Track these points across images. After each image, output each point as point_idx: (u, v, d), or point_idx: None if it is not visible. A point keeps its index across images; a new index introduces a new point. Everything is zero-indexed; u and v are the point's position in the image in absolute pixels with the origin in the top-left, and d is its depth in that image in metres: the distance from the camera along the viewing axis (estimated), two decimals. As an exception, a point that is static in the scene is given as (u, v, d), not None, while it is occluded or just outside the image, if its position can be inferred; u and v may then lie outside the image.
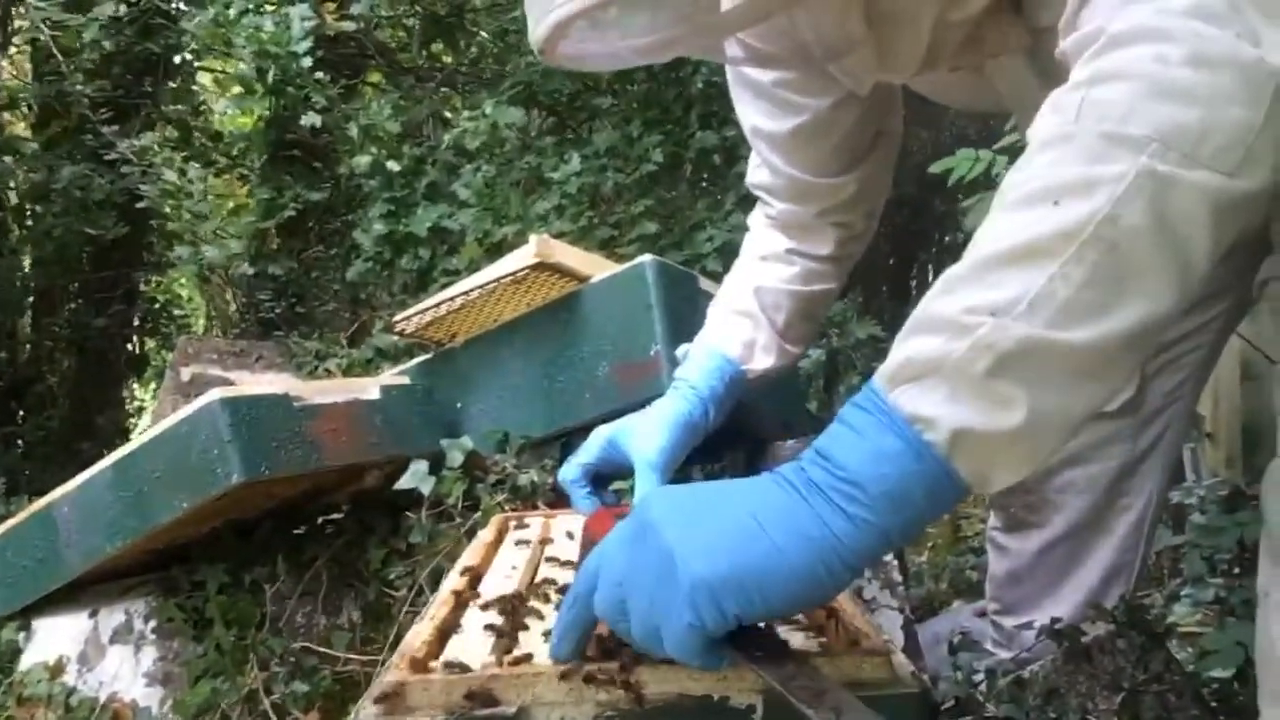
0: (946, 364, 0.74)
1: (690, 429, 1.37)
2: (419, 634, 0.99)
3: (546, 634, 0.95)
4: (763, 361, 1.53)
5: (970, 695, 1.67)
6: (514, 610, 1.05)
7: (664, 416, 1.36)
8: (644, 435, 1.31)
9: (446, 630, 1.01)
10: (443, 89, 4.20)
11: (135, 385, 6.66)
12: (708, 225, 3.14)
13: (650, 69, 3.36)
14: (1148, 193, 0.72)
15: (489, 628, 1.00)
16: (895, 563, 1.87)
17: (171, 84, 4.56)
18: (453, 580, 1.19)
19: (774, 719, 0.83)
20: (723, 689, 0.85)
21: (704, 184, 3.43)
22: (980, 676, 1.69)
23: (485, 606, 1.06)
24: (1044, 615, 1.71)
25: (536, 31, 0.92)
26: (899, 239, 7.06)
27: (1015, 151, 1.67)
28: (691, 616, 0.74)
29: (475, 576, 1.20)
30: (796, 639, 0.93)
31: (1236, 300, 1.52)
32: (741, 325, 1.52)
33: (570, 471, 1.32)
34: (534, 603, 1.08)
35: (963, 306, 0.75)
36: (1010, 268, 0.74)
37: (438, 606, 1.07)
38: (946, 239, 6.92)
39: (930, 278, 7.44)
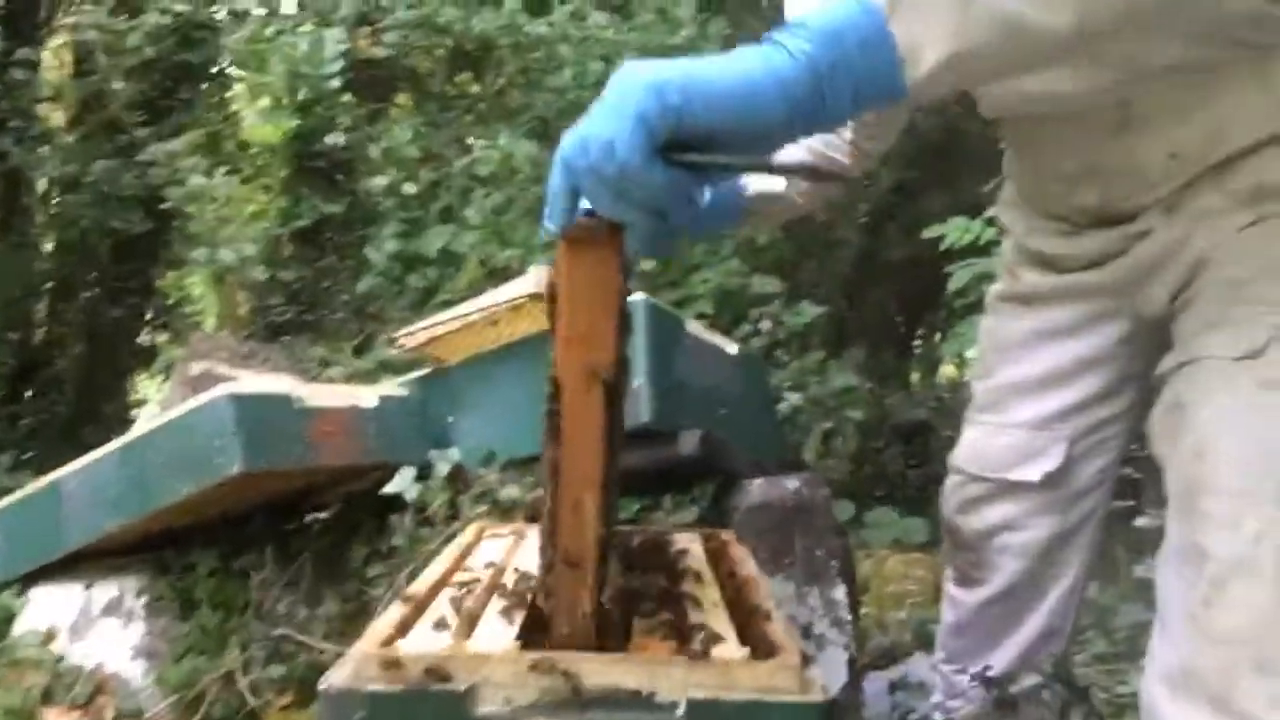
0: None
1: None
2: (387, 618, 1.11)
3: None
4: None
5: (905, 734, 1.77)
6: (474, 601, 1.16)
7: None
8: None
9: (412, 618, 1.12)
10: (466, 117, 4.35)
11: (142, 377, 6.76)
12: (704, 268, 3.26)
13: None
14: None
15: (453, 604, 1.12)
16: (845, 601, 1.97)
17: (208, 93, 4.73)
18: (427, 576, 1.30)
19: (697, 716, 0.94)
20: (650, 685, 0.96)
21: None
22: (915, 716, 1.79)
23: (452, 598, 1.17)
24: (981, 666, 1.79)
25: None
26: (907, 301, 7.10)
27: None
28: (640, 108, 0.82)
29: (448, 574, 1.32)
30: (726, 648, 1.04)
31: (1144, 392, 1.60)
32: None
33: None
34: (496, 596, 1.19)
35: None
36: None
37: (407, 597, 1.18)
38: (957, 304, 6.98)
39: (937, 339, 7.47)
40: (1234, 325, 1.33)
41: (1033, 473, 1.66)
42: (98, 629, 2.08)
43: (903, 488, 4.72)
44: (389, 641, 1.03)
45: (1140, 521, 3.29)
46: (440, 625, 1.09)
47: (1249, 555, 1.25)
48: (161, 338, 6.30)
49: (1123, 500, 2.60)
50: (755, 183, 1.57)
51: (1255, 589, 1.24)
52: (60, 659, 2.03)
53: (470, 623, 1.10)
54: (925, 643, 2.85)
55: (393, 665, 0.96)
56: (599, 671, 0.96)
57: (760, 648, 1.05)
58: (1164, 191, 1.43)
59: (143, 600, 2.08)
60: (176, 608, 2.05)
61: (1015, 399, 1.69)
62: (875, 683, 2.49)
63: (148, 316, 6.14)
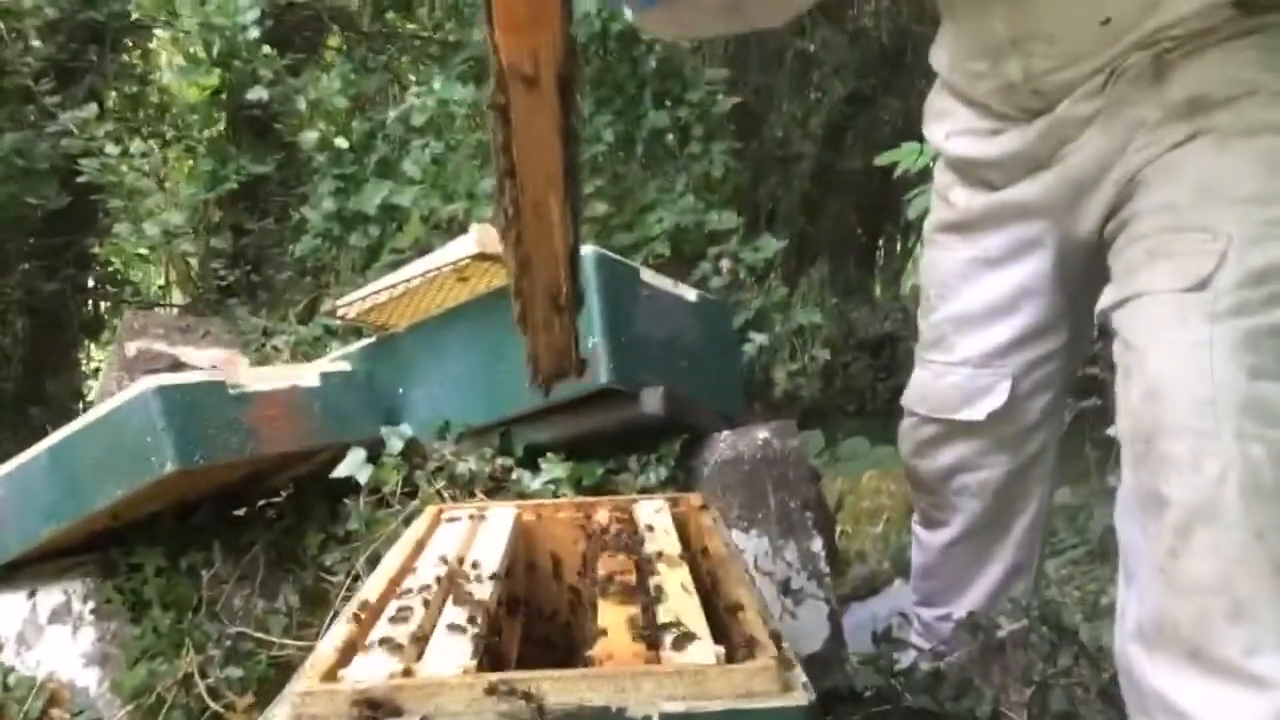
0: None
1: None
2: (331, 641, 1.02)
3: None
4: None
5: (890, 685, 1.73)
6: (426, 613, 1.07)
7: None
8: None
9: (359, 637, 1.03)
10: (402, 58, 4.14)
11: (92, 348, 6.54)
12: (658, 207, 3.14)
13: (604, 47, 3.35)
14: None
15: (403, 619, 1.03)
16: (823, 554, 1.91)
17: (121, 52, 4.43)
18: (376, 580, 1.21)
19: (670, 730, 0.87)
20: (620, 700, 0.89)
21: (656, 165, 3.41)
22: (900, 667, 1.75)
23: (395, 616, 1.08)
24: (954, 609, 1.79)
25: None
26: (867, 212, 7.06)
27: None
28: None
29: (399, 577, 1.23)
30: (699, 651, 0.96)
31: (1076, 326, 1.63)
32: None
33: None
34: (450, 603, 1.10)
35: None
36: None
37: (354, 614, 1.09)
38: (914, 237, 6.95)
39: (898, 250, 7.46)
40: (1176, 256, 1.30)
41: (978, 411, 1.67)
42: (46, 638, 1.97)
43: (871, 400, 4.75)
44: (332, 671, 0.95)
45: (1111, 432, 3.28)
46: (388, 646, 1.00)
47: (1211, 499, 1.22)
48: (106, 306, 6.07)
49: (1089, 399, 2.59)
50: None
51: (1221, 533, 1.22)
52: (9, 671, 1.93)
53: (420, 643, 1.01)
54: (903, 570, 2.83)
55: (336, 700, 0.88)
56: (563, 689, 0.90)
57: (736, 646, 0.98)
58: (1090, 66, 1.39)
59: (90, 605, 1.97)
60: (126, 610, 1.95)
61: (958, 334, 1.68)
62: (856, 614, 2.46)
63: (90, 286, 5.90)
